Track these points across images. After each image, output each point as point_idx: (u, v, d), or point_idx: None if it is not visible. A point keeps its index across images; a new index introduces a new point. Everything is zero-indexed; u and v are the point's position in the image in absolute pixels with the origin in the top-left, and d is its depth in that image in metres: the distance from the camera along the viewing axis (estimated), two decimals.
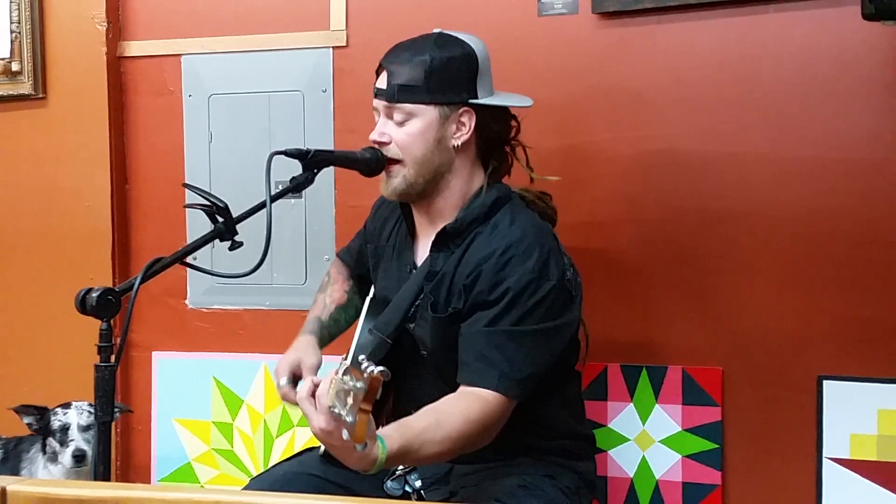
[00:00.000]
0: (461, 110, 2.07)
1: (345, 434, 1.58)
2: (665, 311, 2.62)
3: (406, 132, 2.07)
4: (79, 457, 2.70)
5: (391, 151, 2.09)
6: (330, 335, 2.35)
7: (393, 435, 1.72)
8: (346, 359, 2.22)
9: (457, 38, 2.10)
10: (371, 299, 2.27)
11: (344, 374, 1.59)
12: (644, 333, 2.64)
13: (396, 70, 2.06)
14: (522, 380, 1.96)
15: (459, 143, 2.08)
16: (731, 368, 2.57)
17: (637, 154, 2.63)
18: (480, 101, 2.09)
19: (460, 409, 1.89)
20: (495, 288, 1.99)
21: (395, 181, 2.10)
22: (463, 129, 2.08)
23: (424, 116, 2.06)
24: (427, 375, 2.13)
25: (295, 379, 2.17)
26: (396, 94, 2.05)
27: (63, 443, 2.73)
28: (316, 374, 2.13)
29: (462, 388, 1.96)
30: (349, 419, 1.55)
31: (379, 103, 2.10)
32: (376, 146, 2.10)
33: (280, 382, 2.15)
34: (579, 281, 2.11)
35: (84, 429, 2.73)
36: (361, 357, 1.56)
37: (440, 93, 2.05)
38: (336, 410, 1.59)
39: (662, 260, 2.62)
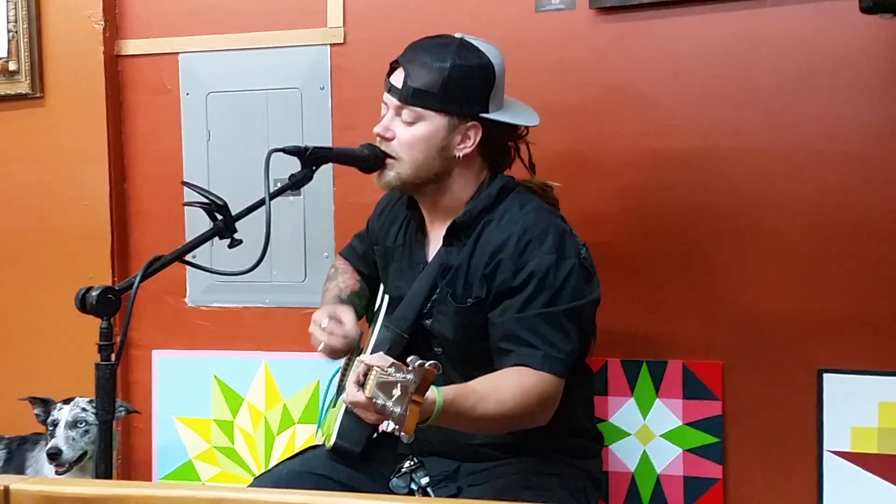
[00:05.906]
0: (469, 123, 2.07)
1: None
2: (665, 306, 2.63)
3: (411, 132, 2.06)
4: (52, 455, 2.67)
5: (391, 148, 2.09)
6: None
7: (448, 388, 1.75)
8: (357, 355, 2.22)
9: (477, 48, 2.09)
10: (388, 299, 2.27)
11: (389, 366, 1.61)
12: (644, 328, 2.64)
13: (414, 72, 2.05)
14: (563, 358, 1.97)
15: (461, 155, 2.08)
16: (732, 362, 2.58)
17: (635, 148, 2.63)
18: (490, 115, 2.09)
19: (514, 376, 1.92)
20: (518, 273, 2.00)
21: (388, 175, 2.10)
22: (467, 143, 2.08)
23: (433, 122, 2.06)
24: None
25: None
26: (410, 97, 2.05)
27: (52, 437, 2.72)
28: (349, 314, 2.17)
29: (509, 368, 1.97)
30: (397, 410, 1.56)
31: (390, 99, 2.09)
32: (378, 139, 2.10)
33: (322, 324, 2.16)
34: (592, 260, 2.11)
35: (71, 426, 2.72)
36: (412, 357, 1.58)
37: (453, 103, 2.05)
38: (379, 402, 1.60)
39: (662, 254, 2.63)
